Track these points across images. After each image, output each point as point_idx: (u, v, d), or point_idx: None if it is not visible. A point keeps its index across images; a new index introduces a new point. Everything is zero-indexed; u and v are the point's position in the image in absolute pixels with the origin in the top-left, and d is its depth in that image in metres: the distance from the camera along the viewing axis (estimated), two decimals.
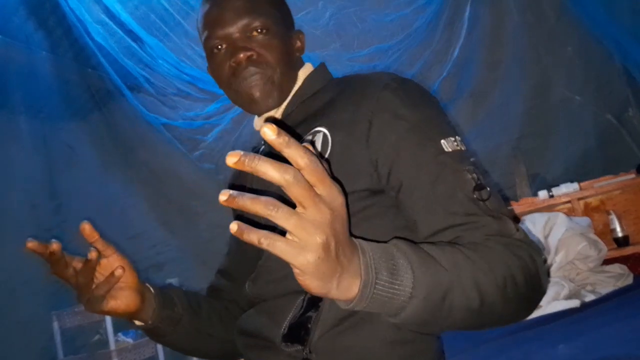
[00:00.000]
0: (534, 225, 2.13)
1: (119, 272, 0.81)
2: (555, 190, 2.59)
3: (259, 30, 0.86)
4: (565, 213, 2.24)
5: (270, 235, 0.46)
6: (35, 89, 3.32)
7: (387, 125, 0.75)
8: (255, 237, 0.46)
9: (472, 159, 0.74)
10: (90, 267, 0.82)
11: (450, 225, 0.69)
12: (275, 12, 0.90)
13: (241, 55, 0.85)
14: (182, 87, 3.39)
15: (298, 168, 0.45)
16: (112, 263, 0.84)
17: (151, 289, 0.91)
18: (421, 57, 3.47)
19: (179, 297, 0.95)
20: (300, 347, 0.75)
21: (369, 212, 0.77)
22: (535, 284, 0.67)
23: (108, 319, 2.93)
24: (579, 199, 2.58)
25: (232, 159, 0.44)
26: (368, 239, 0.59)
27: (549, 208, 2.55)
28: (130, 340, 3.06)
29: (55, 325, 3.08)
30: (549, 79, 3.41)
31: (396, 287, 0.55)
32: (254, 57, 0.85)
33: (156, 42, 3.23)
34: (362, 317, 0.75)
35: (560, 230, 2.04)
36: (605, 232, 2.48)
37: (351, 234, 0.54)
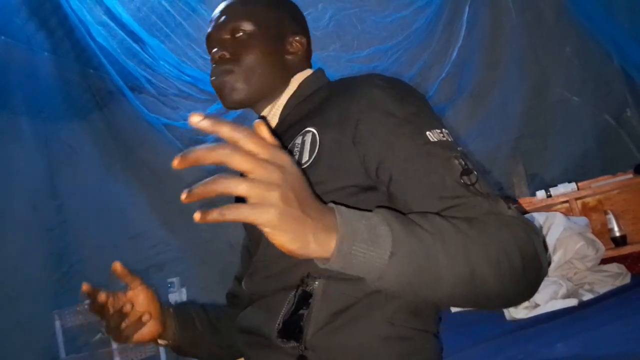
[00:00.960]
0: None
1: (146, 318, 0.90)
2: (553, 190, 2.60)
3: (241, 33, 0.93)
4: (563, 213, 2.25)
5: (231, 206, 0.49)
6: (36, 90, 3.33)
7: (374, 122, 0.77)
8: (217, 214, 0.49)
9: (459, 148, 0.76)
10: (120, 300, 0.91)
11: (441, 209, 0.69)
12: (266, 16, 0.95)
13: (215, 53, 0.93)
14: (183, 87, 3.39)
15: (234, 143, 0.50)
16: (137, 294, 0.93)
17: (171, 311, 1.00)
18: (421, 57, 3.48)
19: (199, 315, 1.04)
20: (296, 343, 0.76)
21: (358, 208, 0.78)
22: (532, 261, 0.66)
23: None
24: (577, 198, 2.59)
25: (195, 118, 0.50)
26: None
27: (547, 208, 2.56)
28: None
29: (57, 324, 3.09)
30: (548, 80, 3.42)
31: (376, 244, 0.55)
32: (227, 55, 0.93)
33: (157, 43, 3.24)
34: (356, 315, 0.75)
35: (558, 229, 2.05)
36: (603, 232, 2.49)
37: None
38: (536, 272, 0.67)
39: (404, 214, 0.63)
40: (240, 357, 1.00)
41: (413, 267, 0.58)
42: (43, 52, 3.26)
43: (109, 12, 3.11)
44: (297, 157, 0.83)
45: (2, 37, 3.10)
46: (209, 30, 0.98)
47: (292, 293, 0.79)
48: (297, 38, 0.98)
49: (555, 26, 3.41)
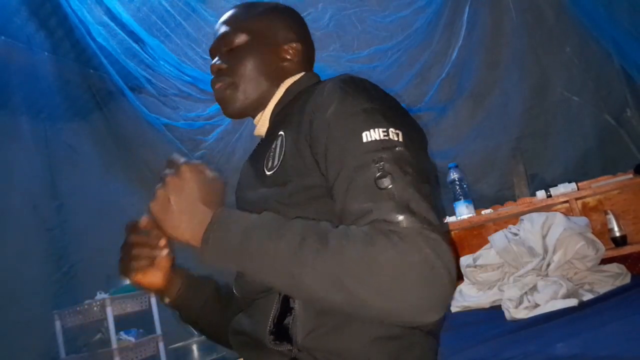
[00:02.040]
0: (532, 224, 2.14)
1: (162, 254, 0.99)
2: (553, 191, 2.60)
3: (235, 45, 0.99)
4: (563, 213, 2.25)
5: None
6: (36, 90, 3.33)
7: (322, 121, 0.78)
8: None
9: (398, 149, 0.73)
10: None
11: (349, 214, 0.70)
12: (259, 27, 1.00)
13: (213, 68, 1.01)
14: (183, 87, 3.40)
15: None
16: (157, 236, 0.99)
17: (183, 271, 1.05)
18: (421, 57, 3.48)
19: (210, 286, 1.09)
20: (289, 346, 0.78)
21: (323, 208, 0.79)
22: (410, 275, 0.62)
23: (110, 318, 2.94)
24: (577, 198, 2.59)
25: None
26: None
27: (547, 208, 2.56)
28: (132, 339, 3.07)
29: (57, 324, 3.09)
30: (548, 80, 3.41)
31: (228, 227, 0.73)
32: (223, 67, 0.99)
33: (157, 43, 3.24)
34: (343, 317, 0.75)
35: (558, 229, 2.05)
36: (603, 232, 2.49)
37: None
38: (427, 286, 0.62)
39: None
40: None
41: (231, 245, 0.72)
42: (43, 52, 3.27)
43: (109, 12, 3.11)
44: (271, 161, 0.88)
45: (2, 37, 3.10)
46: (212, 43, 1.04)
47: (277, 296, 0.81)
48: (292, 45, 1.01)
49: (556, 26, 3.41)
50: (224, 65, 0.99)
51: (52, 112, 3.50)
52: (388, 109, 0.79)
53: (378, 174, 0.69)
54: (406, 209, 0.66)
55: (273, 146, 0.89)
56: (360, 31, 3.44)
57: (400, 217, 0.66)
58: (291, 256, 0.67)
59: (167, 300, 1.04)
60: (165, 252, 0.97)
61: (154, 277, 0.98)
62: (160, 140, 3.45)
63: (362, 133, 0.73)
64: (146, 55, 3.27)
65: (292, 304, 0.79)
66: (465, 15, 3.41)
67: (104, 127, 3.57)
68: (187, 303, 1.04)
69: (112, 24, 3.14)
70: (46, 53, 3.28)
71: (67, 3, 3.00)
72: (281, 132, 0.88)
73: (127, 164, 3.58)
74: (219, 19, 1.05)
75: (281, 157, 0.85)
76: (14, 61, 3.20)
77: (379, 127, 0.74)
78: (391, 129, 0.74)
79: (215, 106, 3.40)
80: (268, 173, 0.87)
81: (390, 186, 0.68)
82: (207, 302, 1.06)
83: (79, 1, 3.02)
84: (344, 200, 0.72)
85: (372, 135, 0.73)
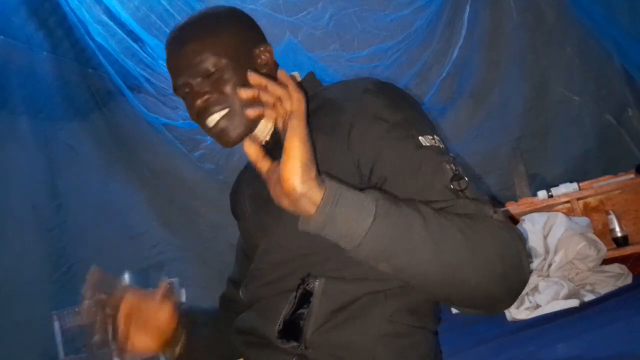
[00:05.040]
0: (534, 225, 2.13)
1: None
2: (555, 190, 2.59)
3: (211, 72, 0.88)
4: (564, 213, 2.24)
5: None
6: (36, 89, 3.33)
7: (367, 127, 0.78)
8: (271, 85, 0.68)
9: (451, 155, 0.77)
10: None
11: None
12: (227, 43, 0.90)
13: (198, 102, 0.88)
14: None
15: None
16: (160, 308, 0.92)
17: (183, 328, 0.97)
18: (421, 57, 3.48)
19: (207, 330, 1.03)
20: (295, 343, 0.77)
21: None
22: (514, 266, 0.67)
23: None
24: (578, 199, 2.58)
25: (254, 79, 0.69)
26: None
27: (549, 208, 2.56)
28: None
29: (56, 325, 3.08)
30: (549, 79, 3.41)
31: (359, 211, 0.63)
32: (210, 99, 0.88)
33: (156, 43, 3.24)
34: (355, 312, 0.77)
35: (559, 230, 2.05)
36: (604, 232, 2.49)
37: None
38: (518, 277, 0.68)
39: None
40: (238, 357, 1.00)
41: (391, 237, 0.63)
42: (42, 52, 3.26)
43: (108, 12, 3.11)
44: None
45: (2, 37, 3.10)
46: (173, 77, 0.91)
47: (293, 294, 0.80)
48: (262, 48, 0.94)
49: (556, 26, 3.41)
50: (213, 96, 0.88)
51: (52, 112, 3.49)
52: (423, 115, 0.82)
53: (452, 175, 0.73)
54: (487, 205, 0.71)
55: None
56: (360, 31, 3.44)
57: (490, 210, 0.70)
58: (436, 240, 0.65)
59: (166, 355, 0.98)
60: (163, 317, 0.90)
61: (149, 340, 0.90)
62: (159, 140, 3.44)
63: (418, 138, 0.76)
64: (145, 55, 3.27)
65: (311, 298, 0.78)
66: (466, 14, 3.40)
67: (104, 126, 3.56)
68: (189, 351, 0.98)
69: (111, 23, 3.14)
70: (45, 53, 3.27)
71: (66, 3, 3.00)
72: None
73: (127, 163, 3.58)
74: None
75: None
76: (13, 61, 3.19)
77: (427, 133, 0.77)
78: (435, 136, 0.78)
79: None
80: None
81: (465, 188, 0.72)
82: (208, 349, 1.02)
83: (78, 1, 3.02)
84: (420, 200, 0.72)
85: (427, 141, 0.76)
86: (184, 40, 0.90)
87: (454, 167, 0.73)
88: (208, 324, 1.05)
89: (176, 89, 0.92)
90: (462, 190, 0.72)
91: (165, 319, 0.90)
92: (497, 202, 2.96)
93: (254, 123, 0.91)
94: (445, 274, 0.65)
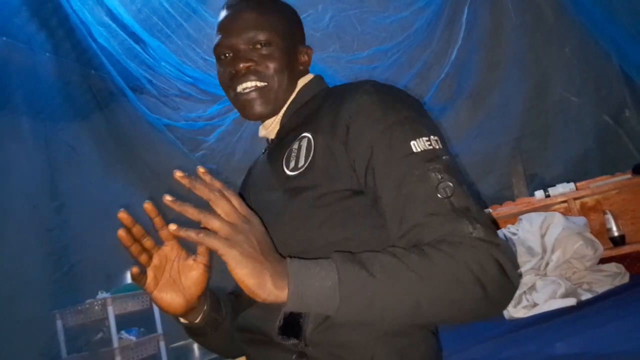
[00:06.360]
0: (531, 224, 2.15)
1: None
2: (552, 190, 2.61)
3: (263, 44, 0.91)
4: (562, 213, 2.26)
5: (208, 232, 0.62)
6: (37, 90, 3.34)
7: (363, 128, 0.80)
8: (194, 233, 0.62)
9: (444, 157, 0.77)
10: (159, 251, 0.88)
11: (412, 226, 0.73)
12: (283, 27, 0.94)
13: (241, 65, 0.91)
14: (184, 88, 3.40)
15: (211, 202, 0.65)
16: (193, 269, 0.86)
17: (208, 292, 0.91)
18: (420, 58, 3.49)
19: (224, 302, 0.97)
20: (296, 340, 0.78)
21: (350, 211, 0.81)
22: (495, 282, 0.68)
23: (111, 317, 2.95)
24: (575, 198, 2.60)
25: (178, 174, 0.67)
26: (348, 237, 0.76)
27: (546, 208, 2.57)
28: (133, 338, 3.08)
29: (59, 323, 3.09)
30: (548, 80, 3.42)
31: (325, 295, 0.65)
32: (253, 67, 0.91)
33: (158, 44, 3.25)
34: None
35: (556, 229, 2.06)
36: (601, 232, 2.50)
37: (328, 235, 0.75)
38: (502, 291, 0.70)
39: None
40: (241, 355, 1.01)
41: (359, 310, 0.66)
42: (44, 53, 3.27)
43: (110, 13, 3.12)
44: (293, 161, 0.86)
45: (3, 38, 3.11)
46: (222, 36, 0.93)
47: None
48: (306, 49, 1.00)
49: (555, 26, 3.42)
50: (253, 67, 0.91)
51: (53, 112, 3.50)
52: (422, 115, 0.83)
53: (437, 184, 0.73)
54: (470, 217, 0.71)
55: (295, 147, 0.87)
56: (360, 32, 3.45)
57: (468, 227, 0.70)
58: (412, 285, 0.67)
59: (185, 321, 0.92)
60: (199, 272, 0.84)
61: (177, 297, 0.84)
62: (161, 141, 3.45)
63: (410, 143, 0.76)
64: (147, 56, 3.27)
65: None
66: (465, 15, 3.41)
67: (105, 127, 3.58)
68: (208, 330, 0.93)
69: (113, 24, 3.14)
70: (47, 53, 3.28)
71: (68, 4, 3.01)
72: (306, 134, 0.86)
73: (128, 164, 3.59)
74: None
75: (309, 158, 0.84)
76: (15, 61, 3.20)
77: (422, 136, 0.78)
78: (432, 137, 0.78)
79: (216, 106, 3.41)
80: (291, 174, 0.86)
81: (451, 196, 0.72)
82: (225, 326, 0.96)
83: (80, 2, 3.03)
84: (402, 210, 0.74)
85: (419, 145, 0.76)
86: (248, 6, 0.93)
87: (439, 176, 0.74)
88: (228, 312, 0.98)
89: (219, 47, 0.94)
90: (448, 198, 0.72)
91: (194, 280, 0.84)
92: (492, 202, 2.98)
93: (280, 106, 0.95)
94: (420, 315, 0.68)
